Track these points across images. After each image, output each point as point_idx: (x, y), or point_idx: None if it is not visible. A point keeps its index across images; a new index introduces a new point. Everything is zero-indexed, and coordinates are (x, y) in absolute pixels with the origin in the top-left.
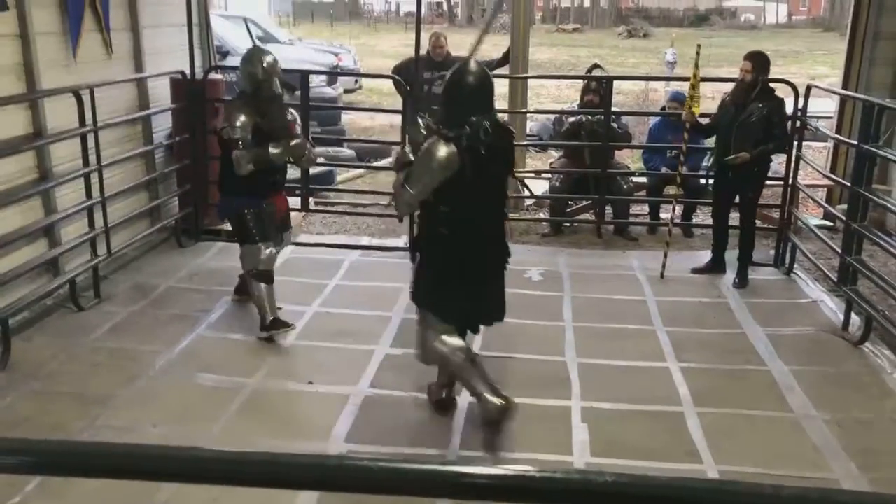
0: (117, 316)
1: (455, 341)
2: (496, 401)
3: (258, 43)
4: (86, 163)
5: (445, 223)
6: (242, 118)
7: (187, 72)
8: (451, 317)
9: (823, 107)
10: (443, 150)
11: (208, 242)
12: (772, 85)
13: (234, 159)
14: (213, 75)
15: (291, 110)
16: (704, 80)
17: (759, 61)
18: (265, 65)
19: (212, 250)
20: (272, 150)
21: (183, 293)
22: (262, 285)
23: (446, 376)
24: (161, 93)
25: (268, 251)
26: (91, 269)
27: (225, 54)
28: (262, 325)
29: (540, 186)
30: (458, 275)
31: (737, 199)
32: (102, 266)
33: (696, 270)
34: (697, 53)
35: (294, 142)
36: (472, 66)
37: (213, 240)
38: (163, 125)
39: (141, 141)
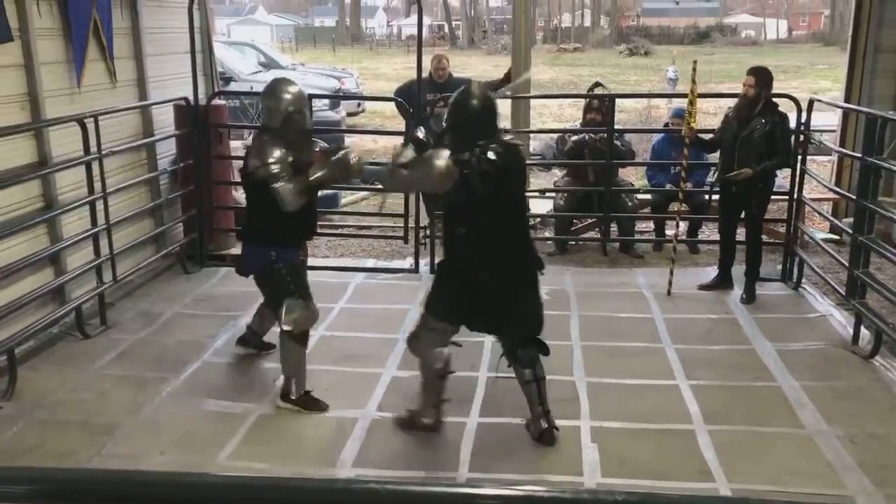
0: (123, 343)
1: (440, 351)
2: (428, 420)
3: (261, 69)
4: (91, 190)
5: (465, 243)
6: (277, 153)
7: (191, 98)
8: (447, 315)
9: (826, 121)
10: (443, 161)
11: (213, 268)
12: (775, 100)
13: (280, 195)
14: (217, 101)
15: (317, 140)
16: (704, 96)
17: (762, 77)
18: (293, 96)
19: (217, 276)
20: (316, 173)
21: (189, 319)
22: (300, 347)
23: (434, 395)
24: (165, 119)
25: (312, 307)
26: (97, 296)
27: (228, 80)
28: (289, 394)
29: (544, 205)
30: (460, 276)
31: (742, 215)
32: (108, 293)
33: (703, 287)
34: (693, 70)
35: (335, 156)
36: (475, 89)
37: (217, 265)
38: (167, 151)
39: (146, 168)
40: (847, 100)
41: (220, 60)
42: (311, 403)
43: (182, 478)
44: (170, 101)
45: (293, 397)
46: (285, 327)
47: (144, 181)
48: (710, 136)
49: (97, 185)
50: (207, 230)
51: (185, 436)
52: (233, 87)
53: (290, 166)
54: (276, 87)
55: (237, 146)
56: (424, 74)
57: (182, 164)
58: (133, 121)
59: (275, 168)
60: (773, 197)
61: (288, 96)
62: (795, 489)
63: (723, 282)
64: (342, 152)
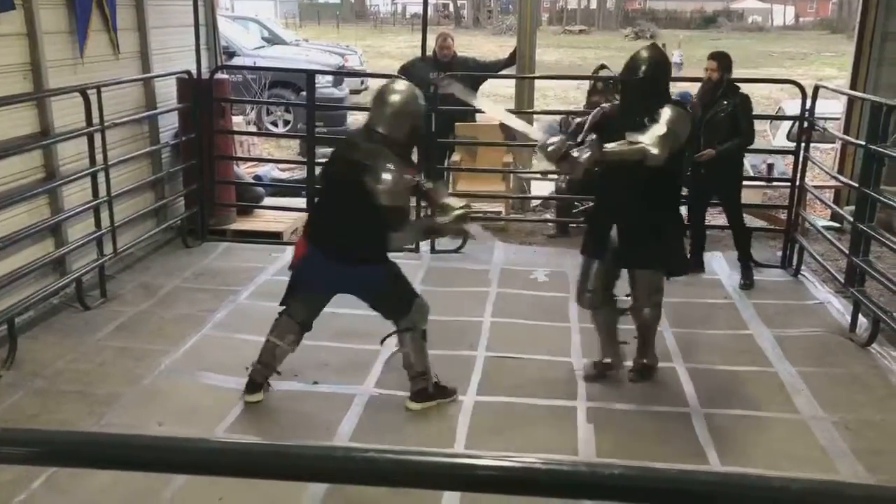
0: (123, 315)
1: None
2: (613, 360)
3: (264, 44)
4: (92, 162)
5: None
6: (404, 176)
7: (194, 71)
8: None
9: (831, 108)
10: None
11: (214, 242)
12: (736, 83)
13: (401, 231)
14: (220, 75)
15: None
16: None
17: (723, 61)
18: (422, 109)
19: (217, 250)
20: (440, 219)
21: (189, 293)
22: (425, 343)
23: (613, 338)
24: (168, 92)
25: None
26: (97, 268)
27: (231, 55)
28: (424, 390)
29: (546, 188)
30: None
31: (714, 200)
32: (108, 265)
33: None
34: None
35: (460, 221)
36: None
37: (218, 240)
38: (169, 125)
39: (147, 140)
40: (853, 87)
41: (224, 35)
42: (446, 392)
43: (182, 443)
44: (173, 73)
45: (430, 391)
46: (421, 326)
47: (146, 154)
48: None
49: (98, 157)
50: (209, 205)
51: (183, 408)
52: (236, 61)
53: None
54: (410, 97)
55: (239, 121)
56: (429, 53)
57: (184, 138)
58: (136, 93)
59: (400, 198)
60: (775, 184)
61: (420, 110)
62: (789, 473)
63: (695, 266)
64: (469, 227)
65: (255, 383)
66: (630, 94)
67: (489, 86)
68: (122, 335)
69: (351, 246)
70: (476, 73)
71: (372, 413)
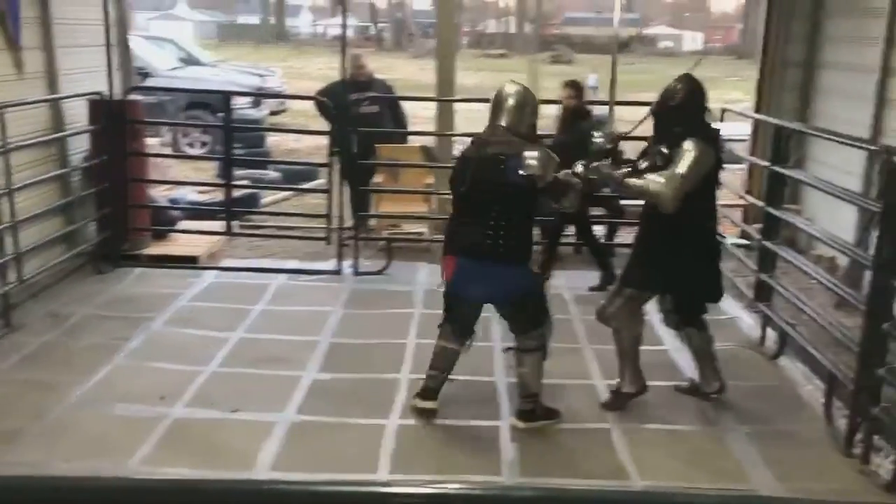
0: (29, 346)
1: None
2: (632, 389)
3: (181, 65)
4: None
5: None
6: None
7: (106, 93)
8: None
9: (739, 130)
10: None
11: (127, 268)
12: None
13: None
14: (133, 96)
15: None
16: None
17: (578, 88)
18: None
19: (131, 276)
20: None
21: (101, 321)
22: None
23: (633, 362)
24: (78, 114)
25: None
26: (1, 297)
27: (146, 76)
28: (533, 411)
29: None
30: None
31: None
32: (13, 294)
33: (592, 289)
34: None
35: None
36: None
37: (132, 265)
38: (80, 147)
39: (56, 163)
40: (757, 111)
41: (138, 55)
42: (552, 413)
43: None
44: (83, 95)
45: (538, 413)
46: (547, 345)
47: (54, 178)
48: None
49: (1, 181)
50: (122, 229)
51: (93, 442)
52: (150, 82)
53: None
54: (529, 94)
55: (154, 143)
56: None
57: (96, 161)
58: (42, 115)
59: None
60: None
61: (533, 101)
62: (704, 484)
63: (607, 282)
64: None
65: (430, 389)
66: (657, 122)
67: (410, 108)
68: (26, 367)
69: (505, 245)
70: (394, 96)
71: (294, 440)
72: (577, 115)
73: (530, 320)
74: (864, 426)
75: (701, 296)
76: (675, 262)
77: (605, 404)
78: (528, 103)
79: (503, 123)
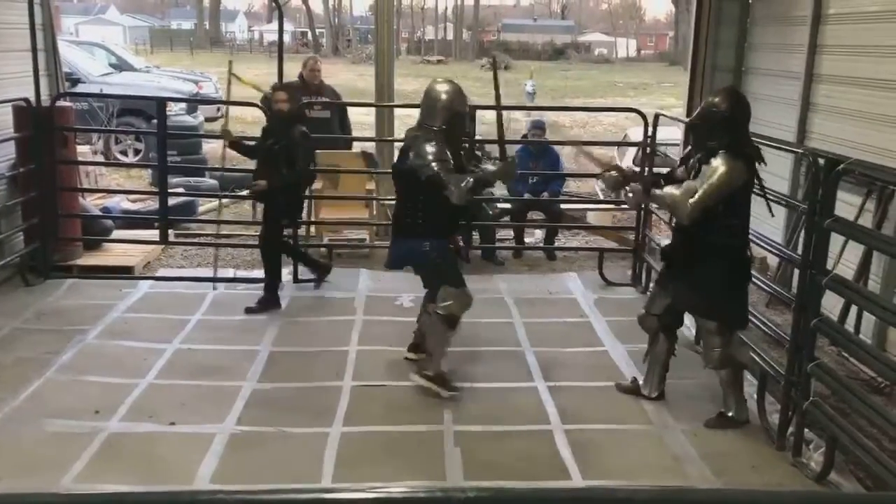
0: None
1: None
2: (655, 392)
3: (112, 70)
4: None
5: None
6: (443, 151)
7: (32, 99)
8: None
9: (672, 135)
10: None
11: (58, 280)
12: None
13: (453, 192)
14: (62, 102)
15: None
16: (556, 108)
17: (291, 92)
18: (458, 96)
19: (62, 288)
20: (489, 167)
21: (30, 334)
22: (449, 330)
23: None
24: (3, 121)
25: (466, 293)
26: None
27: (76, 81)
28: (426, 369)
29: None
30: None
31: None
32: None
33: (250, 310)
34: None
35: (509, 158)
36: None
37: (63, 276)
38: (5, 155)
39: None
40: (688, 115)
41: (67, 60)
42: (445, 383)
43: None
44: (8, 101)
45: (429, 373)
46: (440, 311)
47: None
48: (252, 142)
49: None
50: (52, 239)
51: (24, 460)
52: (81, 88)
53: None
54: (456, 90)
55: (85, 150)
56: (294, 78)
57: (22, 169)
58: None
59: (439, 166)
60: (623, 206)
61: (447, 97)
62: (644, 481)
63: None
64: (511, 157)
65: (415, 345)
66: (695, 135)
67: (351, 114)
68: None
69: (398, 220)
70: (341, 102)
71: (234, 452)
72: (289, 122)
73: (427, 284)
74: (796, 420)
75: (724, 320)
76: (696, 280)
77: (708, 423)
78: (437, 100)
79: (425, 120)
